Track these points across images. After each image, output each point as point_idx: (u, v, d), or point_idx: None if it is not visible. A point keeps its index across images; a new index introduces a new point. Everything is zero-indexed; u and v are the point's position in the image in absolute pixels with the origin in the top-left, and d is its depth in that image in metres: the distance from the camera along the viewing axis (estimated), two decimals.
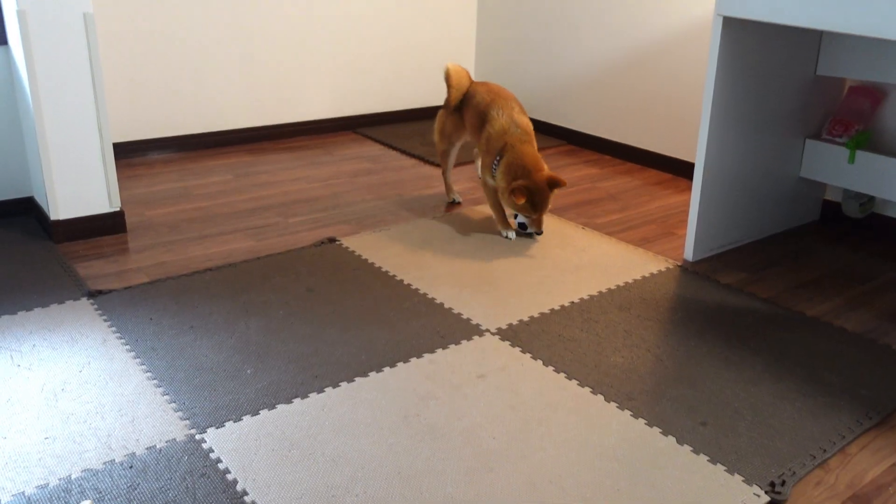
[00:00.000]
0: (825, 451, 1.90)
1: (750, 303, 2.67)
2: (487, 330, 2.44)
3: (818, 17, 2.45)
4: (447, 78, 3.32)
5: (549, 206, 3.03)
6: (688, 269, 2.93)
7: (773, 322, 2.54)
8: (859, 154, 3.09)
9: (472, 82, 3.38)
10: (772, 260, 3.04)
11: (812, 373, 2.24)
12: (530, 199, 2.94)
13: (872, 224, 3.35)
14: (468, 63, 5.14)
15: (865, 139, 3.13)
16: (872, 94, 3.20)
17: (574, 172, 4.10)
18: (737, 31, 2.78)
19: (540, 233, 3.09)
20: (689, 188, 3.82)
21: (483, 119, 3.15)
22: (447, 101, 3.36)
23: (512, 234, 3.16)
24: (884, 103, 3.20)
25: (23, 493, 1.71)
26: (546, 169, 3.00)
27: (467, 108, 3.28)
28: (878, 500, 1.75)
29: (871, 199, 3.29)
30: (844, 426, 2.00)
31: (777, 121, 3.10)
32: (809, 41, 3.07)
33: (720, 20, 2.73)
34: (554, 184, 2.95)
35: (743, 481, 1.79)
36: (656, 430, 1.97)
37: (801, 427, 1.99)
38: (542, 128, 4.76)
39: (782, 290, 2.77)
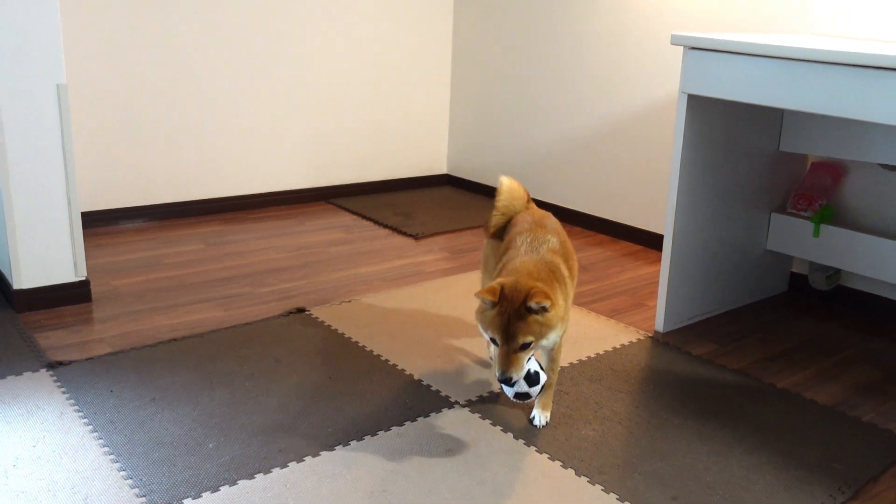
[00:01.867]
0: None
1: (721, 374, 2.66)
2: (457, 402, 2.40)
3: (778, 97, 2.53)
4: (497, 195, 2.47)
5: (530, 345, 1.96)
6: (658, 341, 2.93)
7: (744, 394, 2.53)
8: (823, 228, 3.15)
9: (528, 204, 2.53)
10: (742, 331, 3.05)
11: (784, 446, 2.22)
12: (501, 310, 1.94)
13: (839, 296, 3.39)
14: (441, 136, 5.22)
15: (829, 213, 3.20)
16: (834, 169, 3.29)
17: None
18: (701, 108, 2.86)
19: (501, 379, 1.96)
20: (660, 259, 3.85)
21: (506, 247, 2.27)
22: (486, 224, 2.51)
23: (509, 392, 2.13)
24: (844, 179, 3.28)
25: None
26: (547, 287, 2.00)
27: (507, 235, 2.37)
28: None
29: (837, 271, 3.34)
30: (817, 501, 1.97)
31: (743, 194, 3.16)
32: (772, 118, 3.16)
33: (685, 98, 2.81)
34: (532, 306, 1.92)
35: None
36: None
37: (773, 502, 1.96)
38: None
39: (753, 362, 2.77)
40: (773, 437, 2.26)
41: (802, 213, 3.24)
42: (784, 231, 3.28)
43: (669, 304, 3.01)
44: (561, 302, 2.04)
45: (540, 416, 2.28)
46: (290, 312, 3.05)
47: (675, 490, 2.00)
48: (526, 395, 2.09)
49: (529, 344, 1.94)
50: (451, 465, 2.08)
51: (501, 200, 2.46)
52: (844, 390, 2.58)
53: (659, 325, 3.02)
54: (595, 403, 2.43)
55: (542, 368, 2.14)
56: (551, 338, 2.03)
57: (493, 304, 1.95)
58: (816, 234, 3.16)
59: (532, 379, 2.07)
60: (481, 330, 2.01)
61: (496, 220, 2.46)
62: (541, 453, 2.14)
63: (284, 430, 2.21)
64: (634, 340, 2.92)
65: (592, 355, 2.77)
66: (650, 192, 4.05)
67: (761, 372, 2.70)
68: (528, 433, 2.24)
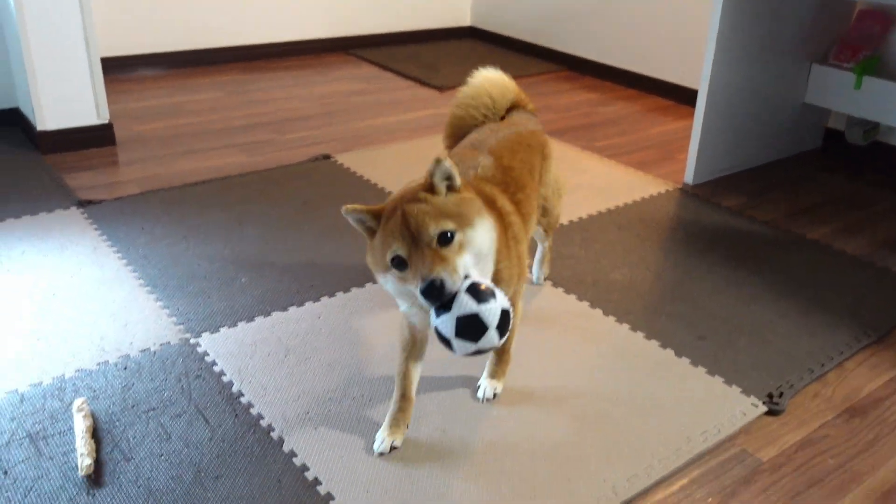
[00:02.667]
0: (823, 365, 1.90)
1: (750, 225, 2.65)
2: None
3: None
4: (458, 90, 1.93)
5: (453, 237, 1.30)
6: (688, 192, 2.89)
7: (772, 244, 2.52)
8: (866, 80, 3.02)
9: (515, 111, 1.92)
10: (773, 185, 3.00)
11: (811, 293, 2.23)
12: (391, 216, 1.35)
13: (874, 152, 3.31)
14: None
15: (873, 64, 3.07)
16: (883, 17, 3.12)
17: (573, 97, 4.02)
18: None
19: (437, 283, 1.25)
20: (690, 115, 3.75)
21: None
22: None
23: (384, 447, 1.55)
24: (893, 28, 3.12)
25: (16, 390, 1.68)
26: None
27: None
28: (875, 413, 1.75)
29: (876, 126, 3.25)
30: (843, 343, 2.00)
31: (783, 45, 3.02)
32: None
33: None
34: (434, 177, 1.37)
35: (741, 392, 1.78)
36: (654, 342, 1.96)
37: (799, 343, 1.99)
38: (540, 52, 4.65)
39: (782, 215, 2.75)
40: (800, 285, 2.27)
41: (845, 65, 3.10)
42: (824, 83, 3.16)
43: (700, 156, 2.95)
44: (493, 227, 1.39)
45: (488, 386, 1.70)
46: (316, 159, 3.02)
47: (702, 330, 2.02)
48: (475, 328, 1.25)
49: (450, 234, 1.27)
50: None
51: (459, 98, 1.88)
52: (874, 243, 2.56)
53: (689, 177, 2.98)
54: (623, 250, 2.43)
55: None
56: (482, 240, 1.33)
57: (374, 218, 1.38)
58: (858, 86, 3.04)
59: (483, 295, 1.26)
60: (378, 276, 1.39)
61: (449, 123, 1.90)
62: (568, 294, 2.17)
63: (315, 268, 2.23)
64: (663, 191, 2.88)
65: (621, 204, 2.75)
66: (683, 45, 3.89)
67: (790, 224, 2.67)
68: (556, 276, 2.25)
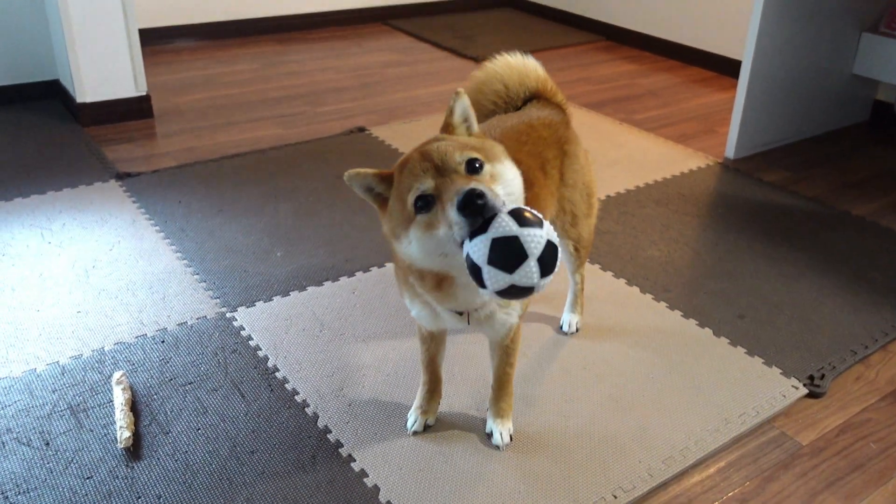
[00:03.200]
0: (867, 347, 1.85)
1: (793, 201, 2.58)
2: None
3: None
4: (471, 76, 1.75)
5: (482, 166, 1.17)
6: (729, 167, 2.82)
7: (816, 220, 2.45)
8: None
9: (538, 104, 1.70)
10: (818, 159, 2.92)
11: (856, 271, 2.17)
12: (415, 158, 1.20)
13: None
14: None
15: None
16: None
17: (612, 68, 3.94)
18: None
19: (476, 193, 1.08)
20: (733, 86, 3.64)
21: None
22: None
23: (418, 426, 1.55)
24: None
25: (57, 362, 1.72)
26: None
27: None
28: None
29: None
30: (888, 324, 1.94)
31: (832, 13, 2.91)
32: None
33: None
34: (455, 111, 1.30)
35: (781, 374, 1.75)
36: (692, 321, 1.93)
37: (842, 323, 1.94)
38: (579, 22, 4.56)
39: (827, 190, 2.67)
40: (844, 263, 2.20)
41: None
42: (874, 53, 3.04)
43: (743, 130, 2.87)
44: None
45: (499, 432, 1.53)
46: (351, 131, 3.01)
47: (742, 308, 1.98)
48: (513, 254, 1.06)
49: (479, 164, 1.16)
50: None
51: (469, 83, 1.71)
52: None
53: (730, 151, 2.90)
54: (661, 225, 2.39)
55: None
56: (513, 179, 1.19)
57: (383, 182, 1.24)
58: None
59: (526, 220, 1.09)
60: (400, 242, 1.21)
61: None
62: (605, 271, 2.14)
63: (350, 242, 2.23)
64: (703, 166, 2.82)
65: (659, 179, 2.69)
66: (727, 14, 3.77)
67: (836, 199, 2.60)
68: (593, 252, 2.21)
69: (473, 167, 1.15)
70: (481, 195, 1.07)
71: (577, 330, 1.87)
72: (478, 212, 1.07)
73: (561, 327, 1.88)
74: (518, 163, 1.40)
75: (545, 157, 1.57)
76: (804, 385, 1.71)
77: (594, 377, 1.72)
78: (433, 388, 1.56)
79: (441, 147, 1.17)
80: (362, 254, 2.17)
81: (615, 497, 1.41)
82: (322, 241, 2.23)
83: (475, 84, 1.71)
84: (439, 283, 1.25)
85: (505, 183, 1.17)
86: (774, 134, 3.00)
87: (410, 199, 1.16)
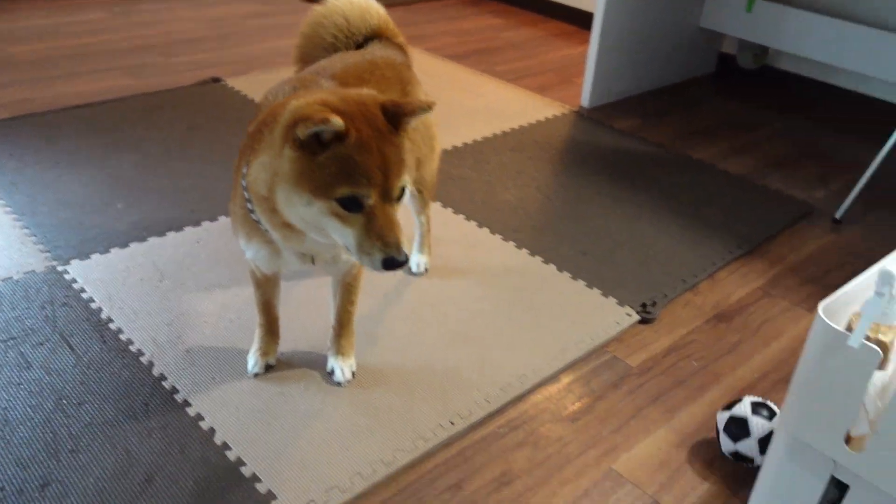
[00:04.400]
0: (696, 276, 1.97)
1: (641, 146, 2.69)
2: None
3: None
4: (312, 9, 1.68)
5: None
6: (583, 115, 2.91)
7: (660, 164, 2.57)
8: (757, 3, 3.07)
9: (380, 43, 1.68)
10: (666, 108, 3.05)
11: (693, 209, 2.29)
12: (361, 138, 1.10)
13: (765, 76, 3.39)
14: None
15: None
16: None
17: (477, 22, 3.96)
18: None
19: (401, 260, 1.13)
20: None
21: None
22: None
23: (258, 368, 1.54)
24: None
25: None
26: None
27: None
28: (740, 318, 1.83)
29: (765, 50, 3.32)
30: (717, 255, 2.07)
31: None
32: None
33: None
34: (400, 111, 1.15)
35: (617, 303, 1.83)
36: (538, 258, 1.99)
37: (676, 256, 2.05)
38: None
39: (673, 137, 2.80)
40: (683, 202, 2.32)
41: None
42: (718, 7, 3.19)
43: (597, 80, 2.96)
44: None
45: (340, 368, 1.54)
46: (205, 82, 2.90)
47: (585, 246, 2.06)
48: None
49: (404, 189, 1.16)
50: None
51: (310, 16, 1.66)
52: (757, 162, 2.64)
53: (585, 100, 2.99)
54: (515, 171, 2.44)
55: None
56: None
57: (339, 137, 1.08)
58: (749, 9, 3.09)
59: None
60: (292, 194, 1.12)
61: (298, 44, 1.67)
62: (457, 214, 2.17)
63: (197, 192, 2.16)
64: (559, 114, 2.89)
65: (516, 127, 2.74)
66: None
67: (680, 145, 2.73)
68: (446, 197, 2.24)
69: (400, 195, 1.15)
70: (406, 260, 1.13)
71: (425, 270, 1.89)
72: (396, 269, 1.13)
73: (410, 268, 1.90)
74: None
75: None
76: (637, 312, 1.81)
77: (440, 315, 1.75)
78: (270, 328, 1.54)
79: (398, 167, 1.12)
80: (210, 204, 2.11)
81: (452, 423, 1.45)
82: (168, 192, 2.15)
83: (316, 17, 1.66)
84: (293, 228, 1.20)
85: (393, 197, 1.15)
86: (627, 84, 3.11)
87: (344, 191, 1.08)
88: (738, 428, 1.39)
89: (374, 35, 1.69)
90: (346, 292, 1.49)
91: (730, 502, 1.35)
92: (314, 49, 1.65)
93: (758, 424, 1.38)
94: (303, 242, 1.25)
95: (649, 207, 2.28)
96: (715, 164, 2.59)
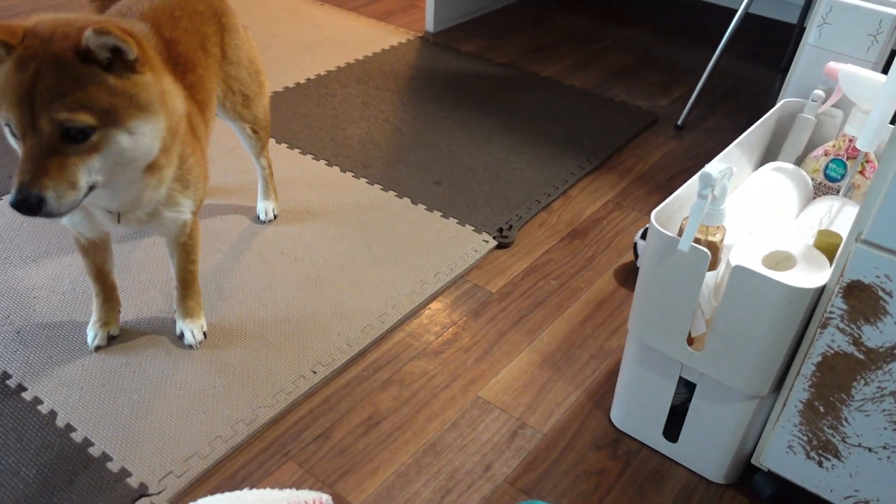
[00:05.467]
0: (549, 195, 1.99)
1: (487, 68, 2.66)
2: None
3: None
4: None
5: (88, 133, 1.01)
6: (429, 40, 2.84)
7: (508, 85, 2.55)
8: None
9: None
10: (510, 27, 3.03)
11: (541, 127, 2.30)
12: (22, 59, 0.98)
13: None
14: None
15: None
16: None
17: None
18: None
19: (24, 199, 0.99)
20: None
21: None
22: None
23: (100, 340, 1.43)
24: None
25: None
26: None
27: None
28: (593, 233, 1.87)
29: None
30: (567, 172, 2.10)
31: None
32: None
33: None
34: (90, 44, 0.99)
35: (473, 230, 1.83)
36: (392, 193, 1.94)
37: (528, 177, 2.06)
38: None
39: (519, 55, 2.79)
40: (531, 122, 2.33)
41: None
42: None
43: (439, 3, 2.89)
44: (160, 126, 1.10)
45: (189, 330, 1.45)
46: None
47: (438, 175, 2.03)
48: None
49: (86, 130, 1.00)
50: None
51: None
52: (601, 75, 2.68)
53: (429, 24, 2.92)
54: (361, 104, 2.36)
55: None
56: (131, 147, 1.05)
57: (4, 46, 0.99)
58: None
59: None
60: None
61: None
62: (304, 154, 2.08)
63: (9, 155, 1.96)
64: (404, 41, 2.81)
65: (360, 58, 2.65)
66: None
67: (526, 64, 2.72)
68: (292, 137, 2.14)
69: (74, 134, 1.00)
70: (39, 203, 0.99)
71: (274, 217, 1.81)
72: (32, 215, 1.00)
73: (258, 217, 1.81)
74: (176, 42, 1.28)
75: (204, 34, 1.42)
76: (494, 238, 1.81)
77: (292, 261, 1.69)
78: (108, 296, 1.43)
79: (48, 94, 0.97)
80: None
81: (314, 373, 1.41)
82: None
83: None
84: None
85: (112, 152, 1.04)
86: (471, 5, 3.05)
87: (2, 115, 1.00)
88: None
89: None
90: (184, 252, 1.39)
91: (592, 413, 1.39)
92: None
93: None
94: (99, 197, 1.11)
95: (499, 130, 2.27)
96: (561, 80, 2.61)
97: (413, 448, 1.30)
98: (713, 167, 1.05)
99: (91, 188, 1.05)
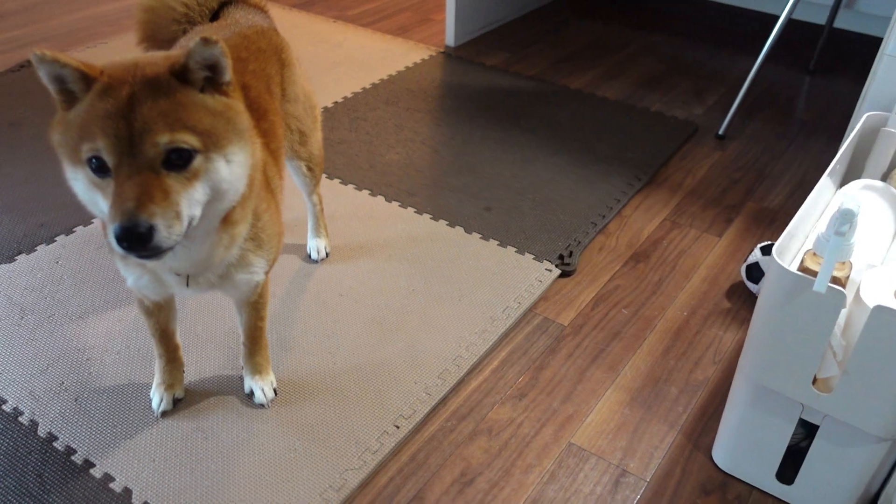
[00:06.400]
0: (603, 217, 1.92)
1: (516, 82, 2.59)
2: None
3: None
4: None
5: (191, 156, 0.91)
6: (451, 55, 2.76)
7: (540, 99, 2.48)
8: None
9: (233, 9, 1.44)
10: (532, 37, 2.96)
11: (584, 144, 2.23)
12: (112, 93, 0.90)
13: None
14: None
15: None
16: None
17: None
18: None
19: (132, 228, 0.87)
20: None
21: None
22: None
23: (166, 405, 1.34)
24: None
25: None
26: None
27: None
28: (656, 255, 1.80)
29: None
30: (618, 190, 2.02)
31: None
32: None
33: None
34: (190, 62, 0.92)
35: (534, 259, 1.75)
36: (443, 222, 1.86)
37: (579, 198, 1.99)
38: None
39: (545, 67, 2.71)
40: (571, 138, 2.26)
41: None
42: None
43: (458, 15, 2.81)
44: (255, 160, 1.02)
45: (259, 388, 1.36)
46: (23, 66, 2.51)
47: (487, 200, 1.96)
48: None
49: (187, 154, 0.91)
50: None
51: None
52: (632, 85, 2.61)
53: (449, 39, 2.84)
54: (395, 127, 2.28)
55: None
56: (231, 176, 0.96)
57: (83, 80, 0.92)
58: None
59: None
60: (65, 165, 0.95)
61: (140, 21, 1.41)
62: (346, 184, 1.99)
63: (41, 201, 1.86)
64: (426, 58, 2.73)
65: (385, 77, 2.57)
66: None
67: (554, 75, 2.65)
68: (330, 166, 2.06)
69: (178, 159, 0.90)
70: (150, 233, 0.87)
71: (326, 255, 1.73)
72: (139, 249, 0.88)
73: (309, 255, 1.72)
74: (248, 88, 1.19)
75: (269, 74, 1.32)
76: (556, 266, 1.73)
77: (352, 303, 1.60)
78: (172, 357, 1.34)
79: (150, 115, 0.88)
80: (60, 214, 1.82)
81: (397, 427, 1.33)
82: (4, 206, 1.84)
83: None
84: None
85: (213, 181, 0.94)
86: (489, 16, 2.98)
87: (85, 150, 0.90)
88: (756, 272, 1.61)
89: None
90: (253, 310, 1.30)
91: (693, 455, 1.32)
92: (164, 23, 1.39)
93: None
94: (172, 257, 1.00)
95: (540, 147, 2.20)
96: (594, 92, 2.54)
97: None
98: (852, 202, 0.98)
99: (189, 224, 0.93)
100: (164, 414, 1.33)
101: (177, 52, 0.95)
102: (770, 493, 1.26)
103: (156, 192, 0.88)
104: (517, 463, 1.30)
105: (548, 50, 2.85)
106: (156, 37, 1.39)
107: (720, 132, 2.31)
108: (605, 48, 2.88)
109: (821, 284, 1.00)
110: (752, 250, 1.66)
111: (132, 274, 1.12)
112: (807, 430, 1.21)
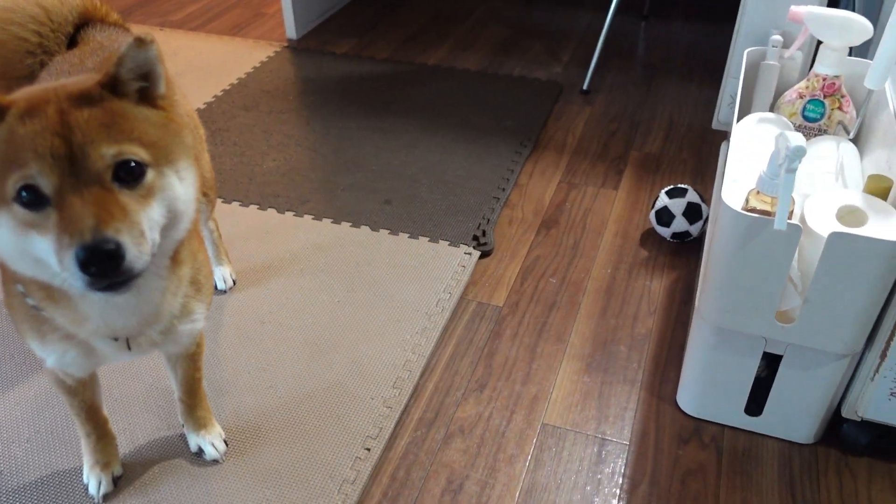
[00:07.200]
0: (503, 189, 1.90)
1: (373, 67, 2.50)
2: None
3: None
4: None
5: (142, 171, 0.78)
6: (296, 49, 2.63)
7: (403, 80, 2.42)
8: None
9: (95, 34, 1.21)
10: (373, 19, 2.87)
11: (461, 119, 2.20)
12: (37, 116, 0.75)
13: None
14: None
15: None
16: None
17: None
18: None
19: (98, 245, 0.72)
20: None
21: None
22: None
23: (105, 486, 1.18)
24: None
25: None
26: None
27: None
28: (563, 218, 1.81)
29: None
30: (509, 160, 2.01)
31: None
32: None
33: None
34: (124, 62, 0.80)
35: (449, 245, 1.71)
36: (346, 224, 1.77)
37: (473, 174, 1.96)
38: None
39: (396, 47, 2.65)
40: (447, 114, 2.22)
41: None
42: None
43: (295, 5, 2.67)
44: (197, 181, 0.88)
45: (209, 443, 1.24)
46: None
47: (384, 193, 1.88)
48: None
49: (141, 167, 0.78)
50: None
51: None
52: (487, 53, 2.61)
53: (290, 31, 2.70)
54: (263, 132, 2.14)
55: None
56: (184, 193, 0.83)
57: (4, 115, 0.76)
58: None
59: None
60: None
61: None
62: (230, 203, 1.85)
63: None
64: (272, 55, 2.58)
65: (234, 82, 2.40)
66: None
67: (408, 54, 2.59)
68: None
69: (128, 172, 0.76)
70: (117, 252, 0.73)
71: (234, 283, 1.59)
72: (106, 275, 0.74)
73: (215, 286, 1.58)
74: None
75: None
76: (474, 248, 1.70)
77: (278, 328, 1.49)
78: (102, 432, 1.18)
79: (89, 127, 0.75)
80: None
81: (368, 450, 1.25)
82: None
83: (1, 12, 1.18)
84: (52, 293, 0.86)
85: (168, 198, 0.81)
86: (324, 2, 2.86)
87: (12, 182, 0.74)
88: (666, 216, 1.66)
89: (84, 19, 1.27)
90: (190, 362, 1.16)
91: (661, 408, 1.34)
92: (15, 56, 1.19)
93: (677, 204, 1.65)
94: (104, 321, 0.88)
95: (419, 130, 2.14)
96: (453, 66, 2.51)
97: (511, 502, 1.19)
98: (798, 138, 1.00)
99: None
100: (106, 497, 1.17)
101: (103, 62, 0.81)
102: (742, 427, 1.30)
103: (113, 207, 0.74)
104: (499, 457, 1.26)
105: (393, 30, 2.78)
106: (8, 74, 1.18)
107: (584, 87, 2.36)
108: (449, 20, 2.85)
109: (781, 222, 1.03)
110: (657, 196, 1.71)
111: (53, 352, 0.96)
112: (766, 361, 1.26)
